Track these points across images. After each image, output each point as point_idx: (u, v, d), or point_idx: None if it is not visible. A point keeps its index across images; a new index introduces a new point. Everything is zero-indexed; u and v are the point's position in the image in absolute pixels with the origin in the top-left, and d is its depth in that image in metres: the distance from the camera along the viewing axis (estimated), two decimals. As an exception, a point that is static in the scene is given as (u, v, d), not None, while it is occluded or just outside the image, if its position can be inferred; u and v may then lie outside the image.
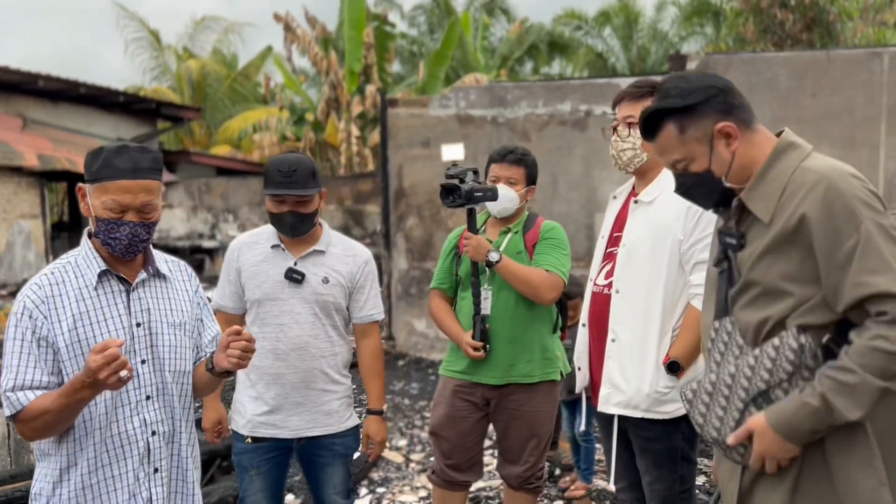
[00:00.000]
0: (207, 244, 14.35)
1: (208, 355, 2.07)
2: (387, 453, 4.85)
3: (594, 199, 7.20)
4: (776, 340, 1.63)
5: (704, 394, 1.74)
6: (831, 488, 1.61)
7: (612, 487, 2.67)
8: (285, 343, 2.65)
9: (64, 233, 14.53)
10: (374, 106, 16.17)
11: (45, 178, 12.98)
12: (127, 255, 1.92)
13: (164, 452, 1.96)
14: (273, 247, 2.71)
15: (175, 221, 15.47)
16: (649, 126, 1.76)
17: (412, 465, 4.69)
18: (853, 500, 1.59)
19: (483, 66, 20.88)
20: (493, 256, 2.90)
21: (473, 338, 2.95)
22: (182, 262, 2.16)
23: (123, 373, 1.66)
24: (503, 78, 20.28)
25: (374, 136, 16.15)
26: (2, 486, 3.23)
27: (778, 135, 1.76)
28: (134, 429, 1.91)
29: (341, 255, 2.77)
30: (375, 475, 4.50)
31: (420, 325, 7.53)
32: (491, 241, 3.02)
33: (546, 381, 3.02)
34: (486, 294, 2.99)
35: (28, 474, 3.28)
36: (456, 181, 2.91)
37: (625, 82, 7.12)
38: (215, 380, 2.04)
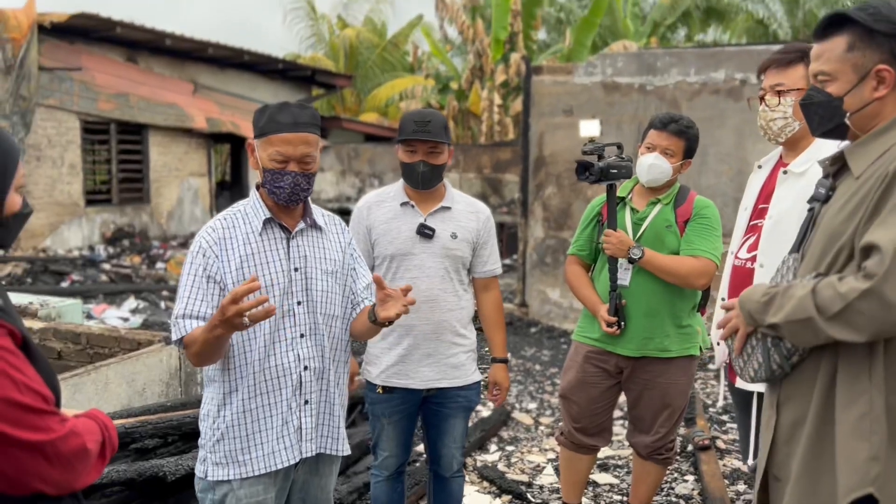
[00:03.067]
0: (353, 207, 15.00)
1: (369, 305, 2.23)
2: (517, 414, 4.97)
3: (745, 172, 6.87)
4: (796, 280, 1.69)
5: None
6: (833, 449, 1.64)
7: (745, 467, 2.62)
8: (417, 295, 2.73)
9: (226, 191, 15.69)
10: (518, 74, 16.11)
11: (212, 139, 14.02)
12: (290, 202, 2.10)
13: (314, 387, 2.15)
14: (402, 204, 2.82)
15: (325, 184, 16.25)
16: (826, 26, 1.73)
17: (541, 427, 4.78)
18: (843, 466, 1.59)
19: (633, 33, 20.21)
20: (636, 253, 2.86)
21: (609, 312, 2.94)
22: (336, 217, 2.33)
23: (245, 319, 1.79)
24: (653, 45, 19.55)
25: (516, 105, 16.12)
26: (174, 412, 3.63)
27: None
28: (289, 363, 2.11)
29: (466, 212, 2.86)
30: (505, 434, 4.64)
31: (554, 294, 7.55)
32: (637, 211, 3.00)
33: (683, 356, 2.98)
34: (626, 266, 2.96)
35: (196, 403, 3.67)
36: (594, 157, 2.90)
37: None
38: (375, 328, 2.17)
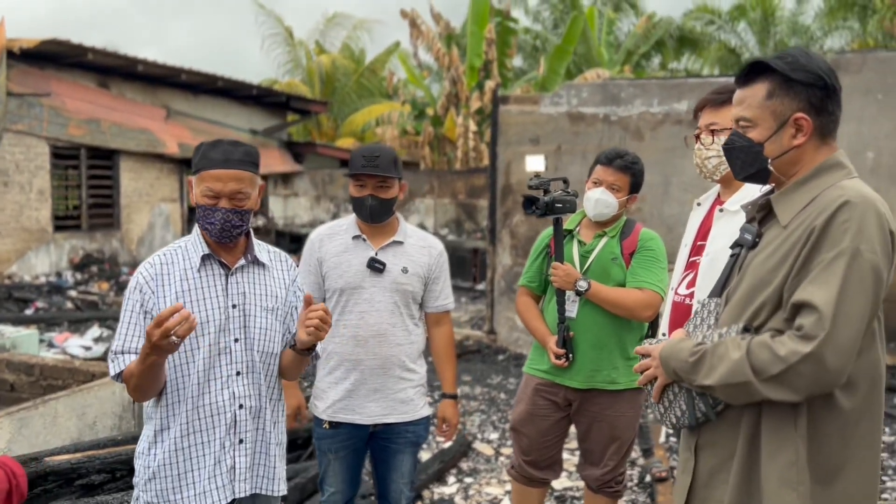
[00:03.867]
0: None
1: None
2: (478, 445, 4.95)
3: (707, 202, 6.95)
4: (723, 329, 1.69)
5: None
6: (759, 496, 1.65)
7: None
8: (365, 330, 2.77)
9: (199, 216, 15.54)
10: (492, 101, 16.27)
11: (184, 164, 13.96)
12: (222, 238, 2.10)
13: (249, 425, 2.13)
14: (354, 237, 2.83)
15: (300, 209, 16.23)
16: (747, 73, 1.76)
17: (501, 458, 4.76)
18: None
19: (607, 61, 20.51)
20: (582, 285, 2.90)
21: (557, 344, 2.97)
22: (283, 254, 2.32)
23: (173, 338, 1.82)
24: (627, 73, 19.83)
25: (488, 133, 16.25)
26: (125, 446, 3.57)
27: None
28: (223, 401, 2.09)
29: (418, 247, 2.88)
30: (465, 465, 4.61)
31: (521, 322, 7.56)
32: (584, 243, 3.04)
33: (631, 388, 2.99)
34: (574, 297, 3.00)
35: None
36: (539, 192, 2.94)
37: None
38: (299, 358, 2.17)
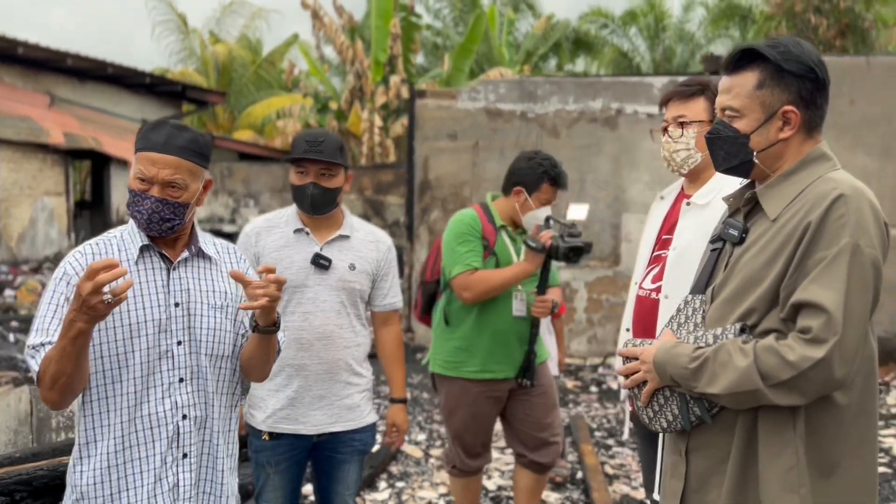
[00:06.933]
0: (227, 228, 14.35)
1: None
2: (406, 447, 4.80)
3: (622, 199, 7.10)
4: (718, 330, 1.63)
5: None
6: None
7: (648, 501, 2.62)
8: (310, 332, 2.58)
9: (86, 211, 14.61)
10: (398, 97, 16.11)
11: (71, 156, 13.04)
12: (150, 230, 1.88)
13: (194, 437, 1.91)
14: (296, 231, 2.63)
15: (195, 205, 15.49)
16: (736, 60, 1.70)
17: (431, 460, 4.64)
18: None
19: (507, 60, 20.75)
20: (555, 301, 3.16)
21: (521, 367, 3.09)
22: (232, 246, 2.10)
23: (107, 296, 1.59)
24: (527, 73, 20.15)
25: (397, 128, 16.09)
26: (24, 465, 3.20)
27: None
28: (164, 411, 1.87)
29: (366, 241, 2.70)
30: (394, 469, 4.45)
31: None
32: (515, 240, 3.16)
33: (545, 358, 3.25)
34: (522, 297, 3.07)
35: (51, 453, 3.25)
36: (579, 240, 2.99)
37: (657, 81, 7.02)
38: (264, 343, 1.94)
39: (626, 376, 1.79)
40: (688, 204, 2.43)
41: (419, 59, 21.01)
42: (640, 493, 4.04)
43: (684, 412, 1.68)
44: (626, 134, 6.92)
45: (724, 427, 1.65)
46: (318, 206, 2.57)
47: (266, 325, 1.89)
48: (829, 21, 11.93)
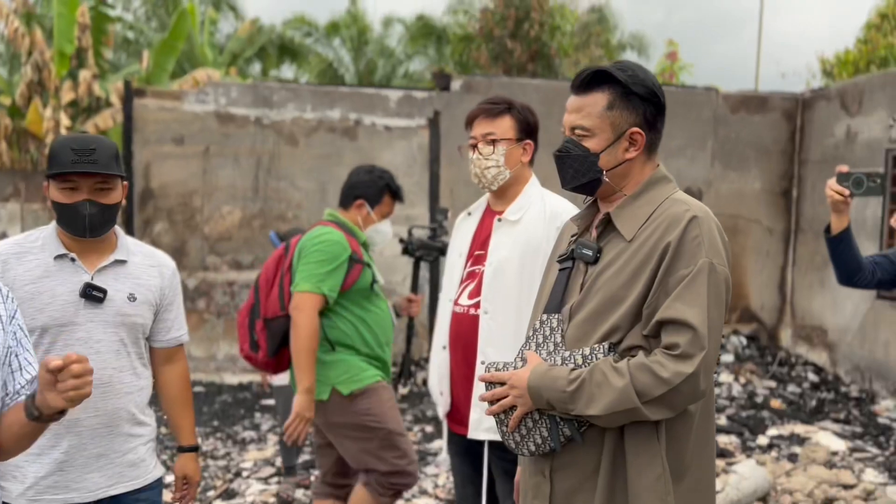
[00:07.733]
0: None
1: (25, 397, 1.58)
2: None
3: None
4: (586, 350, 1.66)
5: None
6: None
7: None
8: None
9: None
10: (90, 93, 14.42)
11: None
12: None
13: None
14: (57, 257, 2.16)
15: None
16: (588, 80, 1.73)
17: None
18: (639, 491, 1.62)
19: (211, 61, 19.72)
20: None
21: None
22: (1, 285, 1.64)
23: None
24: (234, 76, 19.34)
25: (89, 127, 14.37)
26: None
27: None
28: None
29: (146, 266, 2.31)
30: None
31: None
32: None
33: None
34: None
35: None
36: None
37: (392, 94, 7.15)
38: (36, 429, 1.57)
39: (491, 402, 1.74)
40: (499, 220, 2.46)
41: (110, 54, 19.03)
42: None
43: (554, 434, 1.68)
44: (365, 145, 6.94)
45: (591, 444, 1.67)
46: (95, 227, 2.13)
47: (51, 415, 1.52)
48: (522, 47, 13.27)
